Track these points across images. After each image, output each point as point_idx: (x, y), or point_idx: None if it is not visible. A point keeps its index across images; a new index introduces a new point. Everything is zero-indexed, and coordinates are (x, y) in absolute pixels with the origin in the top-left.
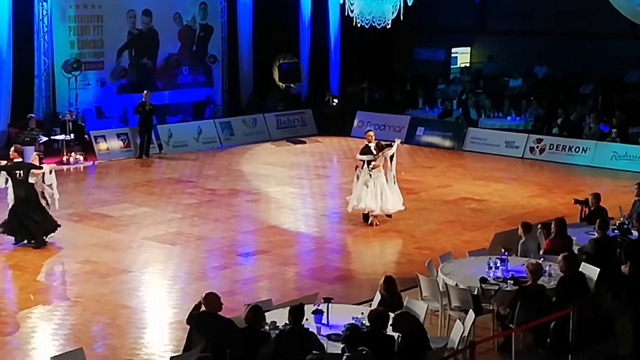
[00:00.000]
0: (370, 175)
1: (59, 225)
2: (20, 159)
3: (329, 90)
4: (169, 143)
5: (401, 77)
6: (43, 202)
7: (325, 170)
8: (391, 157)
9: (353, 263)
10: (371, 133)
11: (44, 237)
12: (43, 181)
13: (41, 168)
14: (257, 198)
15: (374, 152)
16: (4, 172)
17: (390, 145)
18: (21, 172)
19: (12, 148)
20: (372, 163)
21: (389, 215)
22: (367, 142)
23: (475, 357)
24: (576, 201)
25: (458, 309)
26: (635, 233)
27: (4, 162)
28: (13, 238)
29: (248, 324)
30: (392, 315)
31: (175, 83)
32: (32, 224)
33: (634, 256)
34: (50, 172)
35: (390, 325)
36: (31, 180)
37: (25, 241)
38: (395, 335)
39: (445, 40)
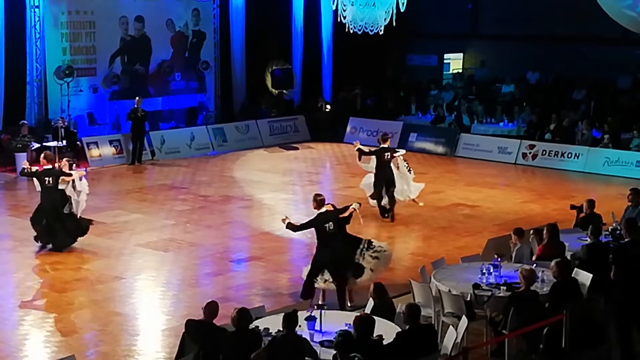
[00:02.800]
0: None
1: (91, 223)
2: (50, 166)
3: (322, 96)
4: (161, 149)
5: (394, 83)
6: (67, 209)
7: (318, 176)
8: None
9: None
10: (386, 136)
11: (73, 241)
12: (73, 187)
13: (70, 175)
14: (250, 204)
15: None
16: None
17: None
18: (51, 178)
19: (42, 155)
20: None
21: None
22: (382, 145)
23: None
24: (572, 207)
25: (451, 315)
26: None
27: (34, 169)
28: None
29: (236, 326)
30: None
31: (168, 89)
32: (60, 229)
33: (621, 260)
34: (81, 179)
35: (401, 313)
36: (61, 186)
37: (50, 245)
38: (388, 337)
39: (437, 46)
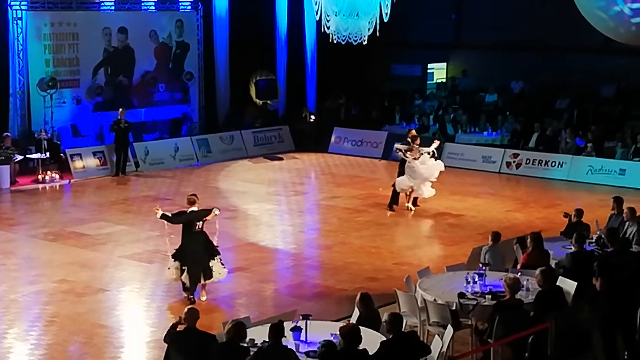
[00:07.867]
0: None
1: None
2: None
3: (306, 106)
4: (145, 161)
5: (378, 93)
6: None
7: (303, 186)
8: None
9: (331, 279)
10: (413, 132)
11: None
12: None
13: None
14: (234, 215)
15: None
16: None
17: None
18: None
19: None
20: (408, 152)
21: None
22: (408, 139)
23: None
24: (565, 215)
25: (437, 324)
26: None
27: None
28: None
29: (229, 339)
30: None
31: (152, 100)
32: None
33: (606, 269)
34: None
35: (384, 322)
36: None
37: None
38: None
39: (421, 56)
